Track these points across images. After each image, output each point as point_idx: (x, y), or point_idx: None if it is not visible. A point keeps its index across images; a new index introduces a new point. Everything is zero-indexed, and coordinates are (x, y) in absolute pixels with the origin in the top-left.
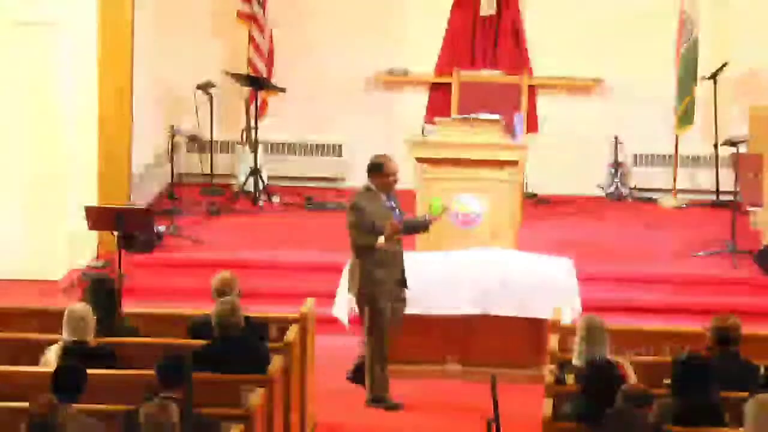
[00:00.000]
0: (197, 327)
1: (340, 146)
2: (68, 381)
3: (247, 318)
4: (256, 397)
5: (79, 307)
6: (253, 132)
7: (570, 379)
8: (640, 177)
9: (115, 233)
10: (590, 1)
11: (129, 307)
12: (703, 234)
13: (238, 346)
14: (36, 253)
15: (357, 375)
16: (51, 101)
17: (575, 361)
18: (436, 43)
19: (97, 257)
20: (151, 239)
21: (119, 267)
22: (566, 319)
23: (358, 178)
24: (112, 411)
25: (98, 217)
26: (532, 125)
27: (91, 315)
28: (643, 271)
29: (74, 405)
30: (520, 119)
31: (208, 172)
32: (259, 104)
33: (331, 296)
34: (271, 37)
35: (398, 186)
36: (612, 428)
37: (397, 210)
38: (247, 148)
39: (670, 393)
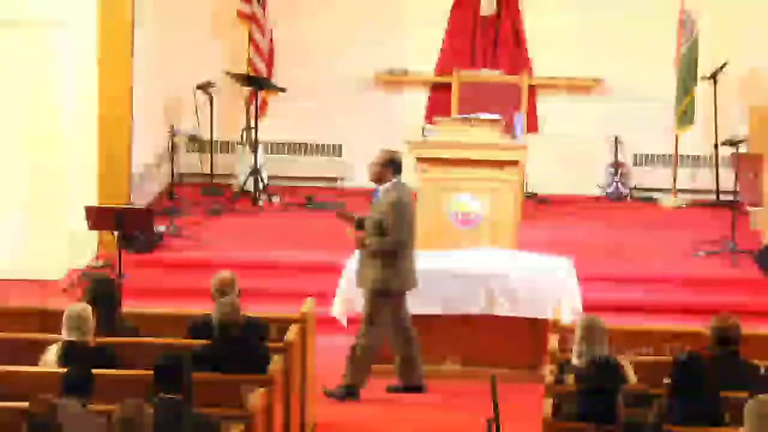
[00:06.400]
0: (197, 327)
1: (340, 146)
2: (79, 383)
3: (247, 318)
4: (256, 397)
5: (78, 306)
6: (253, 132)
7: (570, 379)
8: (640, 177)
9: (115, 233)
10: (590, 1)
11: (129, 307)
12: (703, 234)
13: (238, 346)
14: (36, 253)
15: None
16: (51, 101)
17: (575, 361)
18: (436, 43)
19: (97, 257)
20: (151, 239)
21: (119, 267)
22: (566, 319)
23: (358, 178)
24: (112, 411)
25: (98, 217)
26: (532, 125)
27: (90, 315)
28: (643, 271)
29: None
30: (520, 119)
31: (208, 172)
32: (259, 104)
33: (331, 296)
34: (271, 37)
35: None
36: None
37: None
38: (247, 148)
39: (670, 393)
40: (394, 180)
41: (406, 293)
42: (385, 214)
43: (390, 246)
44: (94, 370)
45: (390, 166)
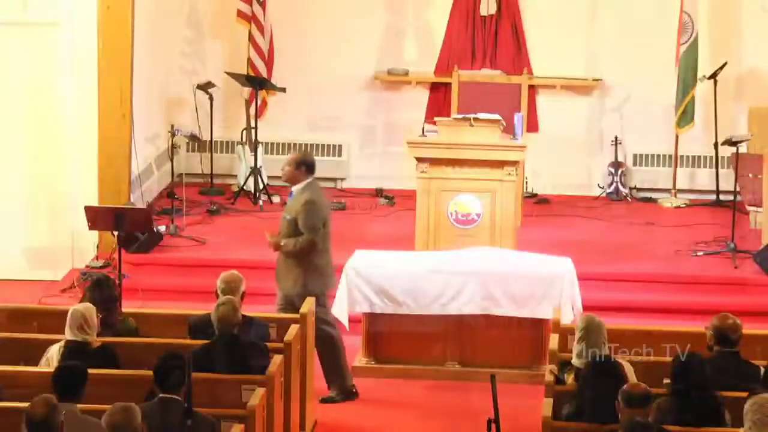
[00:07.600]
0: (197, 327)
1: (340, 146)
2: (69, 381)
3: (247, 318)
4: (256, 397)
5: (81, 306)
6: (253, 132)
7: (570, 379)
8: (640, 177)
9: (115, 233)
10: (590, 1)
11: (129, 307)
12: (703, 234)
13: (238, 346)
14: (36, 253)
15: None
16: (51, 101)
17: (575, 361)
18: (436, 43)
19: (97, 257)
20: (151, 239)
21: (119, 267)
22: (566, 319)
23: (358, 178)
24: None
25: (98, 217)
26: (532, 125)
27: (94, 315)
28: (642, 271)
29: (75, 405)
30: (520, 119)
31: (208, 172)
32: (259, 104)
33: (331, 296)
34: (271, 37)
35: (398, 186)
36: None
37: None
38: (247, 148)
39: (670, 393)
40: (308, 180)
41: (326, 294)
42: (298, 215)
43: (304, 246)
44: (93, 370)
45: (303, 166)
